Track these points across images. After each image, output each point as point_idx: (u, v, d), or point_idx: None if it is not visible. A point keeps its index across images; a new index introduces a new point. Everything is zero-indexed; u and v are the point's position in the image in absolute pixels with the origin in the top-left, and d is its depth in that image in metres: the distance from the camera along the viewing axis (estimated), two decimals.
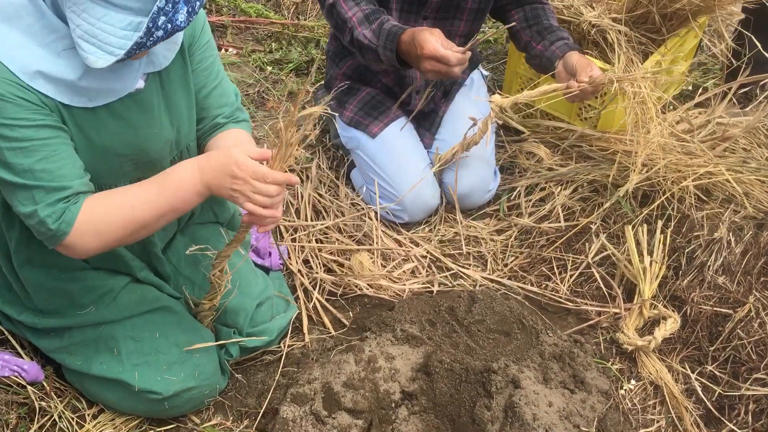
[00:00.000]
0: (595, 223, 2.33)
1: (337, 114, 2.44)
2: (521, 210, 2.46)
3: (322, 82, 2.68)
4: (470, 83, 2.55)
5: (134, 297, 1.74)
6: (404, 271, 2.26)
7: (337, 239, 2.32)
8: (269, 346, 1.95)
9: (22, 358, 1.81)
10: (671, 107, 2.65)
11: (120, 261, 1.72)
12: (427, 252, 2.32)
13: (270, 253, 2.18)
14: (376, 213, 2.38)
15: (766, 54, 2.50)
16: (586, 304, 2.16)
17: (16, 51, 1.31)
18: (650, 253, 2.13)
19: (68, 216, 1.40)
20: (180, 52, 1.56)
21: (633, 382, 1.97)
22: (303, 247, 2.27)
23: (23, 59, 1.32)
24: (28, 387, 1.74)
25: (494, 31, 1.97)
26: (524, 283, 2.24)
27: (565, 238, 2.33)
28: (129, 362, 1.69)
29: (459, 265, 2.28)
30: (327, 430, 1.69)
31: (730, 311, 1.98)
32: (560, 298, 2.18)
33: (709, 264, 2.07)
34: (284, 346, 1.99)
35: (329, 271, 2.24)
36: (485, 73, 2.72)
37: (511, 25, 2.26)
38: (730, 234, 2.11)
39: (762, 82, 2.49)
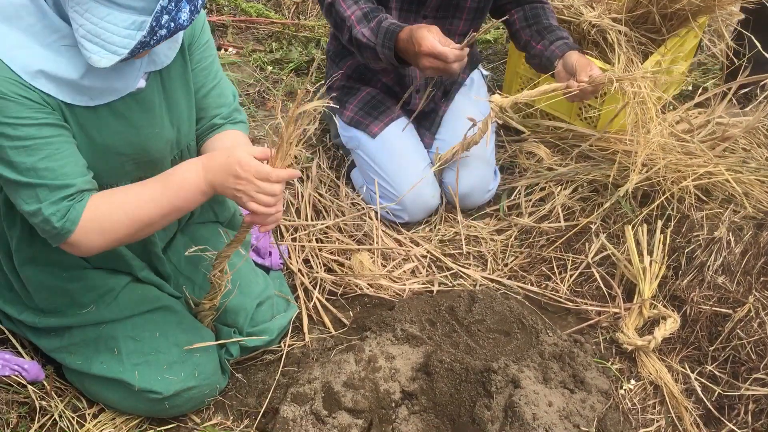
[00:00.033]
0: (595, 223, 2.33)
1: (336, 111, 2.44)
2: (521, 210, 2.46)
3: (323, 82, 2.68)
4: (470, 83, 2.56)
5: (135, 296, 1.74)
6: (404, 271, 2.26)
7: (338, 239, 2.32)
8: (269, 345, 1.95)
9: (22, 357, 1.81)
10: (671, 107, 2.65)
11: (120, 260, 1.73)
12: (428, 252, 2.32)
13: (270, 253, 2.18)
14: (376, 213, 2.38)
15: (765, 54, 2.50)
16: (586, 303, 2.16)
17: (17, 51, 1.31)
18: (650, 253, 2.13)
19: (73, 214, 1.40)
20: (180, 51, 1.56)
21: (633, 381, 1.97)
22: (303, 246, 2.27)
23: (25, 59, 1.32)
24: (29, 386, 1.75)
25: (487, 26, 1.97)
26: (524, 282, 2.24)
27: (565, 237, 2.33)
28: (129, 362, 1.70)
29: (459, 265, 2.28)
30: (327, 429, 1.69)
31: (730, 311, 1.98)
32: (560, 297, 2.18)
33: (708, 264, 2.08)
34: (284, 345, 1.99)
35: (329, 270, 2.24)
36: (485, 72, 2.72)
37: (503, 18, 2.26)
38: (730, 234, 2.11)
39: (762, 82, 2.49)
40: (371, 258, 2.26)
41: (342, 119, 2.45)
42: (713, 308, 2.00)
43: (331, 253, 2.27)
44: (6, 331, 1.83)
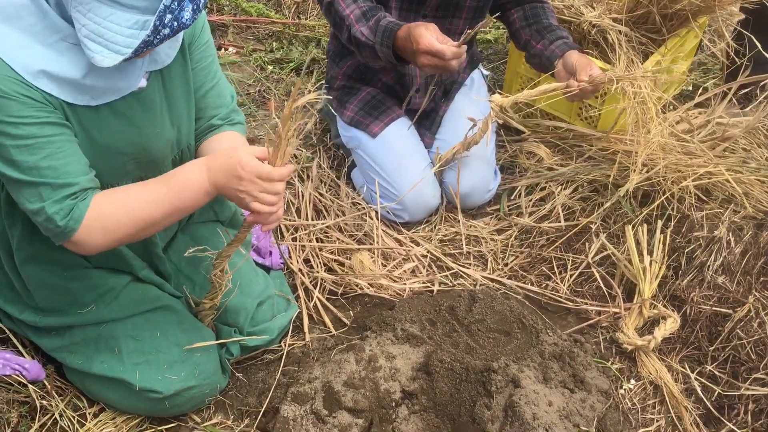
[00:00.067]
0: (595, 223, 2.33)
1: (333, 108, 2.44)
2: (521, 210, 2.46)
3: (323, 82, 2.68)
4: (470, 83, 2.56)
5: (135, 296, 1.74)
6: (405, 271, 2.26)
7: (338, 238, 2.32)
8: (270, 345, 1.95)
9: (23, 356, 1.81)
10: (671, 107, 2.65)
11: (121, 260, 1.73)
12: (428, 251, 2.33)
13: (271, 253, 2.18)
14: (376, 212, 2.39)
15: (766, 54, 2.50)
16: (586, 303, 2.16)
17: (18, 51, 1.32)
18: (650, 253, 2.13)
19: (76, 213, 1.40)
20: (180, 50, 1.56)
21: (633, 381, 1.97)
22: (304, 246, 2.27)
23: (26, 59, 1.32)
24: (29, 386, 1.75)
25: (482, 22, 1.97)
26: (524, 282, 2.24)
27: (565, 237, 2.33)
28: (130, 361, 1.70)
29: (459, 265, 2.29)
30: (327, 429, 1.70)
31: (730, 311, 1.98)
32: (560, 297, 2.18)
33: (708, 264, 2.08)
34: (285, 345, 1.99)
35: (330, 270, 2.24)
36: (486, 72, 2.73)
37: (496, 15, 2.27)
38: (730, 234, 2.11)
39: (762, 83, 2.49)
40: (371, 258, 2.26)
41: (342, 119, 2.45)
42: (713, 308, 2.01)
43: (332, 252, 2.27)
44: (7, 331, 1.83)
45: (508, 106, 2.16)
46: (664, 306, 2.07)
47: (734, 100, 2.64)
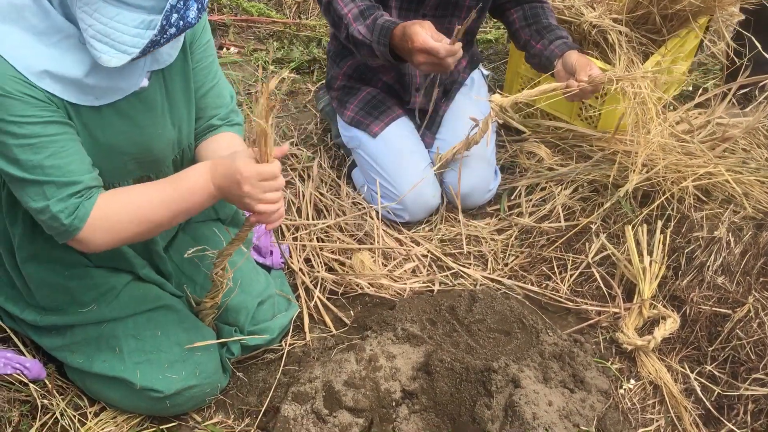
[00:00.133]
0: (595, 223, 2.33)
1: (327, 103, 2.44)
2: (522, 210, 2.46)
3: (323, 82, 2.69)
4: (471, 83, 2.56)
5: (136, 295, 1.74)
6: (405, 271, 2.27)
7: (339, 238, 2.32)
8: (270, 344, 1.96)
9: (24, 356, 1.81)
10: (671, 107, 2.65)
11: (122, 259, 1.73)
12: (428, 251, 2.33)
13: (271, 252, 2.18)
14: (377, 212, 2.39)
15: (766, 54, 2.51)
16: (586, 303, 2.16)
17: (21, 50, 1.32)
18: (650, 253, 2.13)
19: (82, 211, 1.41)
20: (182, 50, 1.56)
21: (632, 381, 1.97)
22: (304, 245, 2.28)
23: (28, 59, 1.32)
24: (30, 385, 1.75)
25: (470, 16, 1.96)
26: (524, 282, 2.25)
27: (565, 237, 2.33)
28: (130, 360, 1.70)
29: (459, 265, 2.29)
30: (328, 428, 1.70)
31: (730, 311, 1.98)
32: (560, 297, 2.18)
33: (708, 264, 2.08)
34: (285, 344, 1.99)
35: (330, 270, 2.24)
36: (486, 72, 2.73)
37: (486, 10, 2.27)
38: (730, 234, 2.11)
39: (762, 83, 2.49)
40: (372, 257, 2.26)
41: (343, 119, 2.46)
42: (713, 308, 2.01)
43: (332, 252, 2.28)
44: (8, 330, 1.83)
45: (509, 106, 2.17)
46: (664, 306, 2.07)
47: (734, 101, 2.64)
